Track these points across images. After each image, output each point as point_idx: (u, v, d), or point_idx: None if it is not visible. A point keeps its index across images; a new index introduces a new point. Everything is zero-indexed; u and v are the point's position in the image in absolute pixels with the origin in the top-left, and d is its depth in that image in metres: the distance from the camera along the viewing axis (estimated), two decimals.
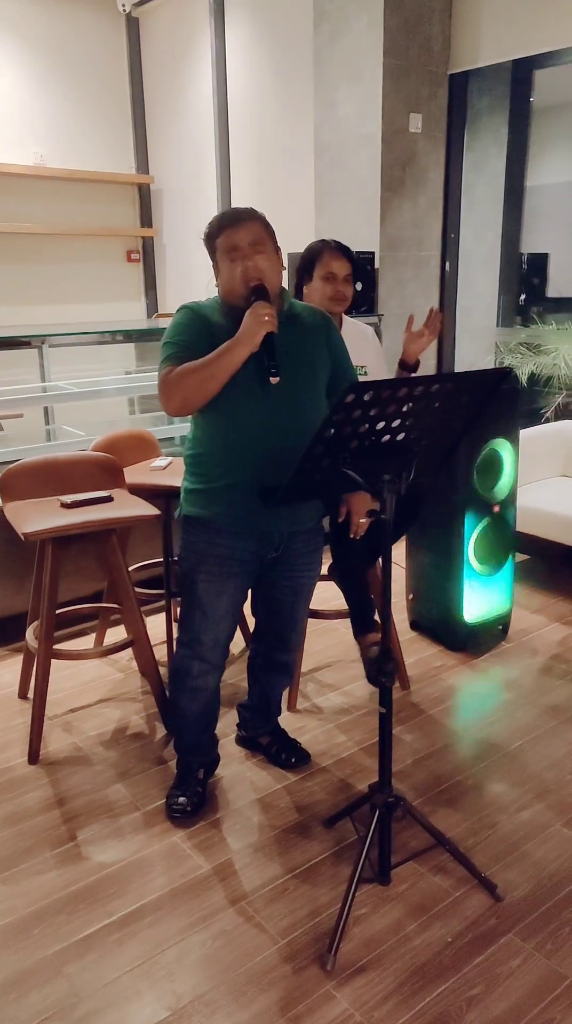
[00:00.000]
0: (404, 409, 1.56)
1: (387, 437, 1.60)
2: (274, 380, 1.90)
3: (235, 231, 1.94)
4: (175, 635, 2.26)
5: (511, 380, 3.28)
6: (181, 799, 2.25)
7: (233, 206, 2.03)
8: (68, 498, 2.51)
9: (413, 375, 2.72)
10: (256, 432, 1.98)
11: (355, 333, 2.81)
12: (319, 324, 2.11)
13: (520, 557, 3.73)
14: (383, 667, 1.80)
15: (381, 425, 1.56)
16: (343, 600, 2.74)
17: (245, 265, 1.95)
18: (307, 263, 2.68)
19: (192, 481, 2.11)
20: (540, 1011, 1.64)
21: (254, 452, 1.99)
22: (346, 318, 2.81)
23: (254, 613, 2.36)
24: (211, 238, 2.01)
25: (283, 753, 2.48)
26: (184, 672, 2.21)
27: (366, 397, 1.45)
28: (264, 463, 1.99)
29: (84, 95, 6.15)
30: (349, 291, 2.68)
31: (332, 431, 1.49)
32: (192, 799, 2.25)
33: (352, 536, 2.30)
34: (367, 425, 1.53)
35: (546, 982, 1.70)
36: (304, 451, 1.54)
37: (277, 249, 2.03)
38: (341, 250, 2.65)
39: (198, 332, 1.98)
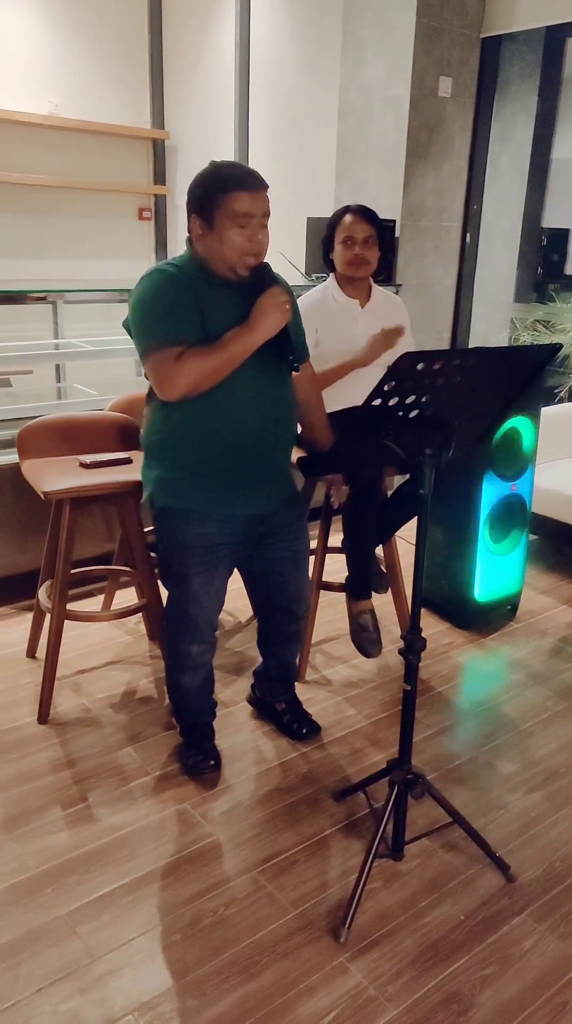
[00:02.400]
0: (450, 382, 1.52)
1: (430, 411, 1.56)
2: (296, 374, 1.87)
3: (251, 196, 1.80)
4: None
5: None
6: (199, 756, 2.26)
7: (230, 161, 1.86)
8: (87, 458, 2.46)
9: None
10: (246, 413, 1.91)
11: (385, 302, 2.75)
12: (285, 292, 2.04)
13: (530, 537, 3.71)
14: (412, 645, 1.78)
15: (425, 398, 1.52)
16: None
17: (254, 239, 1.83)
18: (329, 230, 2.62)
19: (166, 469, 1.99)
20: (554, 993, 1.64)
21: (241, 433, 1.92)
22: (376, 287, 2.74)
23: (252, 596, 2.31)
24: (212, 192, 1.81)
25: (295, 723, 2.46)
26: (184, 655, 2.18)
27: (419, 367, 1.40)
28: (250, 443, 1.94)
29: (101, 45, 5.96)
30: (371, 254, 2.59)
31: (379, 400, 1.45)
32: (210, 755, 2.27)
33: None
34: (414, 396, 1.48)
35: (559, 964, 1.71)
36: (350, 421, 1.50)
37: None
38: (362, 212, 2.57)
39: (188, 303, 1.84)
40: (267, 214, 1.85)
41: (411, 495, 2.63)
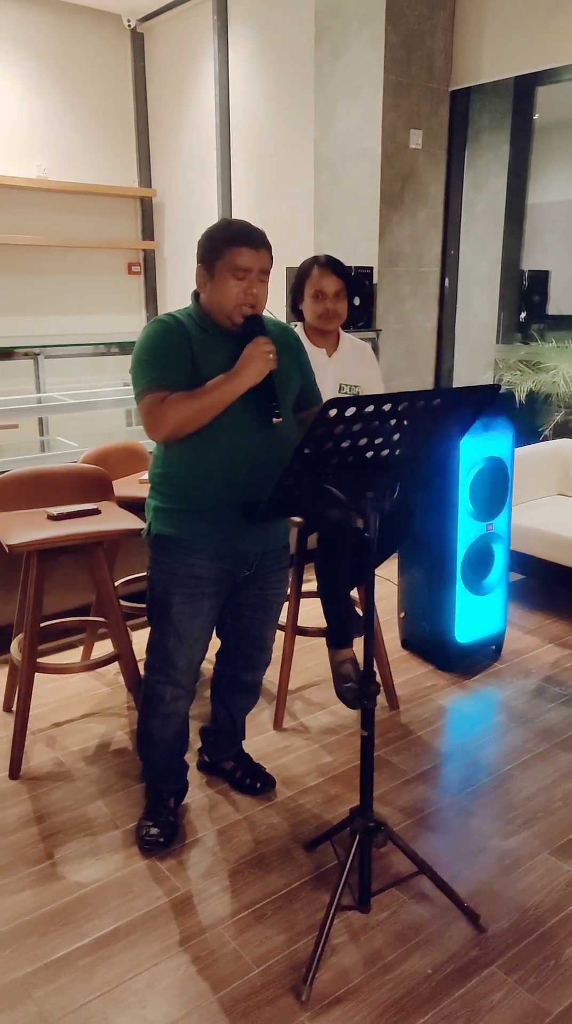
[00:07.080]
0: (389, 425, 1.53)
1: (370, 453, 1.57)
2: (277, 420, 1.89)
3: (252, 252, 1.89)
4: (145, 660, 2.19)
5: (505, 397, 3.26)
6: (153, 830, 2.17)
7: (240, 220, 1.98)
8: (55, 510, 2.48)
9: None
10: (235, 454, 1.95)
11: (352, 350, 2.79)
12: (290, 342, 2.09)
13: (514, 576, 3.69)
14: (366, 689, 1.76)
15: (364, 441, 1.53)
16: None
17: (249, 292, 1.91)
18: (298, 282, 2.67)
19: (163, 501, 2.05)
20: None
21: (233, 473, 1.95)
22: (344, 334, 2.78)
23: (219, 634, 2.28)
24: (218, 245, 1.92)
25: (248, 778, 2.40)
26: (156, 698, 2.15)
27: (348, 413, 1.42)
28: (242, 483, 1.96)
29: (88, 109, 6.18)
30: (341, 307, 2.64)
31: (310, 447, 1.46)
32: (165, 829, 2.18)
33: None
34: (349, 441, 1.50)
35: (529, 1018, 1.65)
36: (285, 467, 1.51)
37: None
38: (331, 266, 2.62)
39: (180, 351, 1.92)
40: (266, 271, 1.94)
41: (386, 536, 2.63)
